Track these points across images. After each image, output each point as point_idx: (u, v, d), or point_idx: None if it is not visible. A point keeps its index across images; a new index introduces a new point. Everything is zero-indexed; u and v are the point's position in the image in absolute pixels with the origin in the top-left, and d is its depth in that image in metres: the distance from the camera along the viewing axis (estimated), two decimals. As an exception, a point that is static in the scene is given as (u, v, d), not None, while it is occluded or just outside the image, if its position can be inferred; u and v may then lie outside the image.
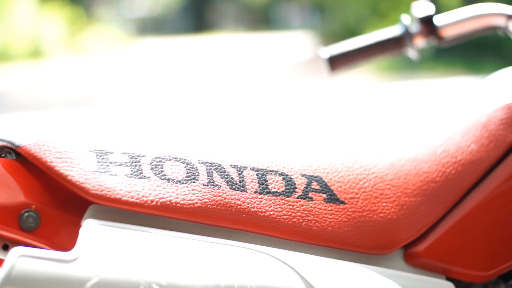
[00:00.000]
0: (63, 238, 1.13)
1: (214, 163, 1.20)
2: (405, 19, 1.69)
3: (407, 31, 1.68)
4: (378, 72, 12.89)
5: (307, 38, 20.87)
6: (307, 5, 22.62)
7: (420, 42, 1.68)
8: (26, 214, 1.11)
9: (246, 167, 1.22)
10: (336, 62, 1.71)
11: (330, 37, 18.57)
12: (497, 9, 1.65)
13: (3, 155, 1.18)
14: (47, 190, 1.14)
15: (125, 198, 1.12)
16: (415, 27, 1.67)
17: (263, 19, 30.14)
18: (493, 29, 1.66)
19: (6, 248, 1.20)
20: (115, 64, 15.96)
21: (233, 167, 1.21)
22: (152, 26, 29.63)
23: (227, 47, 19.80)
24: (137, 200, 1.12)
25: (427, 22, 1.66)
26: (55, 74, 13.97)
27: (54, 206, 1.13)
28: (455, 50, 13.63)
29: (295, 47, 19.08)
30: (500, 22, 1.64)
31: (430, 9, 1.66)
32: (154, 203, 1.13)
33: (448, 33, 1.67)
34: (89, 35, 18.78)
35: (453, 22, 1.66)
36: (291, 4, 27.01)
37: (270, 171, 1.23)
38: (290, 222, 1.20)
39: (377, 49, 1.69)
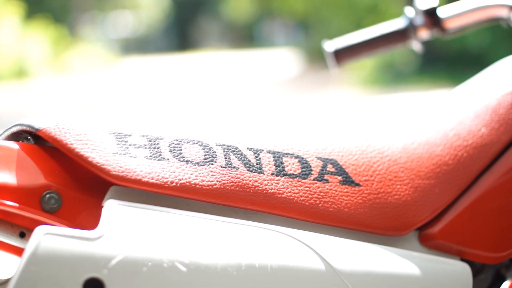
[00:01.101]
0: (84, 219, 1.13)
1: (231, 145, 1.21)
2: (409, 11, 1.71)
3: (411, 24, 1.70)
4: (363, 86, 12.95)
5: (292, 55, 20.95)
6: (290, 23, 22.74)
7: (424, 34, 1.70)
8: (47, 195, 1.11)
9: (263, 150, 1.23)
10: (341, 56, 1.73)
11: (315, 54, 18.66)
12: (500, 0, 1.67)
13: (22, 140, 1.19)
14: (67, 172, 1.14)
15: (145, 179, 1.12)
16: (419, 19, 1.69)
17: (247, 37, 30.26)
18: (496, 20, 1.68)
19: (23, 235, 1.21)
20: (100, 82, 15.95)
21: (249, 150, 1.22)
22: (137, 45, 29.68)
23: (212, 64, 19.84)
24: (157, 181, 1.13)
25: (431, 14, 1.68)
26: (40, 93, 13.95)
27: (75, 188, 1.14)
28: (439, 63, 13.73)
29: (279, 63, 19.14)
30: (503, 13, 1.66)
31: (433, 1, 1.68)
32: (173, 184, 1.13)
33: (452, 24, 1.69)
34: (73, 54, 18.78)
35: (457, 14, 1.68)
36: (275, 21, 27.14)
37: (286, 153, 1.24)
38: (307, 203, 1.21)
39: (382, 42, 1.71)
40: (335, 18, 17.66)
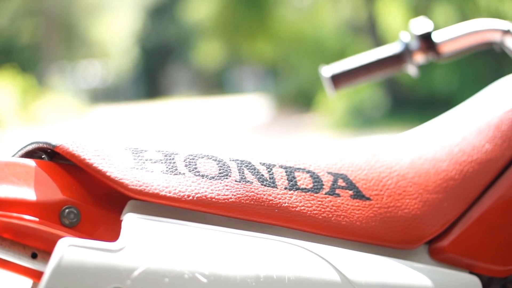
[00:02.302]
0: (102, 233, 1.14)
1: (244, 160, 1.23)
2: (404, 36, 1.74)
3: (407, 48, 1.73)
4: (334, 129, 13.05)
5: (262, 101, 21.06)
6: (260, 69, 22.91)
7: (420, 58, 1.73)
8: (67, 210, 1.12)
9: (275, 165, 1.25)
10: (338, 81, 1.75)
11: (285, 99, 18.80)
12: (493, 25, 1.71)
13: (37, 158, 1.19)
14: (84, 187, 1.15)
15: (162, 193, 1.13)
16: (414, 44, 1.72)
17: (217, 83, 30.44)
18: (489, 44, 1.72)
19: (35, 257, 1.20)
20: (69, 132, 15.87)
21: (262, 165, 1.24)
22: (106, 94, 29.69)
23: (182, 112, 19.88)
24: (174, 195, 1.14)
25: (425, 39, 1.71)
26: (9, 143, 13.86)
27: (93, 202, 1.14)
28: (408, 107, 13.88)
29: (250, 110, 19.23)
30: (495, 37, 1.70)
31: (428, 26, 1.72)
32: (190, 198, 1.14)
33: (446, 49, 1.72)
34: (43, 104, 18.72)
35: (451, 39, 1.72)
36: (244, 68, 27.35)
37: (298, 168, 1.26)
38: (320, 217, 1.23)
39: (378, 66, 1.74)
40: (304, 64, 17.84)
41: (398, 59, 1.74)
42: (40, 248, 1.20)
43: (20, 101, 17.20)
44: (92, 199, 1.15)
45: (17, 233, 1.18)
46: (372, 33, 14.83)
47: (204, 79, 31.10)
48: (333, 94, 1.78)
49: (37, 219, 1.10)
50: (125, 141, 1.19)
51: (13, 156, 1.21)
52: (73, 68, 28.39)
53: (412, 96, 14.33)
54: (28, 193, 1.11)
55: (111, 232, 1.14)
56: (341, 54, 16.32)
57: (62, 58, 26.44)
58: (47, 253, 1.20)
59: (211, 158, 1.21)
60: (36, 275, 1.25)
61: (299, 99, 17.67)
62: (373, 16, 15.34)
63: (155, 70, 31.11)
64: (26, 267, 1.24)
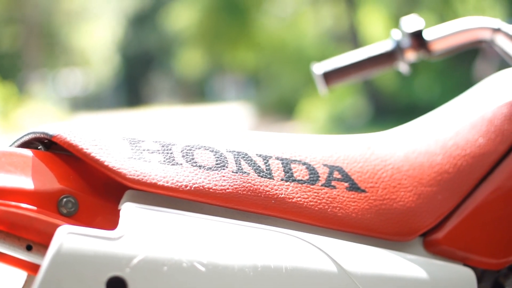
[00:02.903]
0: (100, 223, 1.13)
1: (241, 152, 1.23)
2: (396, 34, 1.75)
3: (398, 46, 1.74)
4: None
5: (243, 109, 21.08)
6: (241, 78, 22.94)
7: (411, 56, 1.74)
8: (64, 199, 1.12)
9: (271, 156, 1.25)
10: (330, 78, 1.76)
11: (266, 108, 18.82)
12: (483, 23, 1.72)
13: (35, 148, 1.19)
14: (82, 177, 1.15)
15: (160, 183, 1.13)
16: (405, 42, 1.73)
17: (198, 92, 30.42)
18: (479, 43, 1.73)
19: (29, 248, 1.20)
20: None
21: (259, 156, 1.24)
22: (87, 103, 29.60)
23: (163, 120, 19.85)
24: (172, 185, 1.14)
25: (417, 37, 1.72)
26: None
27: (91, 192, 1.14)
28: (390, 115, 13.93)
29: (231, 118, 19.23)
30: (486, 35, 1.71)
31: (419, 23, 1.73)
32: (188, 188, 1.15)
33: (437, 46, 1.73)
34: (23, 112, 18.63)
35: (442, 36, 1.73)
36: (226, 77, 27.38)
37: (294, 160, 1.26)
38: (316, 208, 1.23)
39: (370, 64, 1.75)
40: (285, 72, 17.88)
41: (389, 57, 1.75)
42: (35, 241, 1.20)
43: (1, 109, 17.11)
44: (90, 189, 1.14)
45: (13, 225, 1.17)
46: (354, 42, 14.88)
47: (185, 87, 31.08)
48: (325, 92, 1.79)
49: (35, 208, 1.09)
50: (123, 131, 1.19)
51: (10, 146, 1.20)
52: (54, 76, 28.29)
53: (394, 104, 14.40)
54: (25, 183, 1.10)
55: (109, 221, 1.13)
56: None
57: (43, 66, 26.35)
58: (42, 246, 1.20)
59: (208, 149, 1.21)
60: (31, 268, 1.25)
61: (281, 107, 17.71)
62: (355, 25, 15.42)
63: (136, 78, 31.06)
64: (20, 259, 1.24)
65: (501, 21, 1.74)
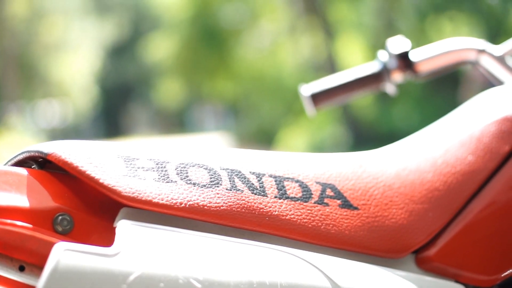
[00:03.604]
0: (96, 240, 1.13)
1: (234, 169, 1.24)
2: (382, 55, 1.77)
3: (385, 67, 1.76)
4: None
5: (223, 139, 21.09)
6: (221, 108, 22.97)
7: (398, 77, 1.76)
8: (60, 217, 1.12)
9: (264, 174, 1.26)
10: (318, 99, 1.77)
11: (245, 138, 18.83)
12: (469, 44, 1.75)
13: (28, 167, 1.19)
14: (77, 195, 1.15)
15: (155, 200, 1.13)
16: (392, 63, 1.75)
17: (178, 122, 30.41)
18: (465, 63, 1.76)
19: (22, 269, 1.19)
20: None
21: (252, 174, 1.24)
22: (66, 134, 29.48)
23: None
24: (167, 203, 1.14)
25: (403, 58, 1.74)
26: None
27: (86, 210, 1.14)
28: (369, 144, 13.98)
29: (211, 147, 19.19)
30: (471, 56, 1.74)
31: (405, 45, 1.75)
32: (182, 205, 1.15)
33: (424, 67, 1.75)
34: (1, 144, 18.54)
35: (428, 57, 1.75)
36: (205, 107, 27.42)
37: (287, 178, 1.27)
38: (310, 225, 1.23)
39: (357, 85, 1.77)
40: (265, 102, 17.93)
41: (376, 78, 1.77)
42: (28, 261, 1.19)
43: (-22, 140, 17.02)
44: (85, 207, 1.14)
45: (6, 245, 1.17)
46: (332, 71, 14.96)
47: (165, 118, 31.06)
48: (313, 113, 1.80)
49: (30, 226, 1.09)
50: (117, 149, 1.19)
51: (4, 165, 1.20)
52: (32, 108, 28.19)
53: (373, 132, 14.46)
54: (20, 201, 1.10)
55: (104, 239, 1.13)
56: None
57: (21, 98, 26.26)
58: (35, 266, 1.19)
59: (202, 166, 1.22)
60: (23, 289, 1.24)
61: (260, 137, 17.73)
62: (333, 54, 15.51)
63: (115, 109, 31.01)
64: (13, 280, 1.23)
65: (485, 42, 1.76)
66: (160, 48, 20.61)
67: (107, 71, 30.40)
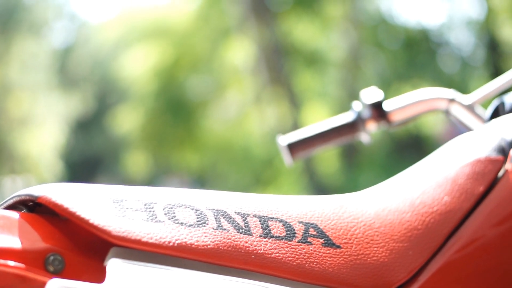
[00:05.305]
0: (87, 279, 1.15)
1: (220, 210, 1.27)
2: (357, 105, 1.83)
3: (359, 117, 1.81)
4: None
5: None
6: (188, 179, 23.00)
7: (372, 126, 1.81)
8: (51, 257, 1.14)
9: (249, 214, 1.29)
10: (295, 149, 1.82)
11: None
12: (439, 94, 1.81)
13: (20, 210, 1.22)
14: (67, 236, 1.17)
15: (144, 240, 1.16)
16: (366, 113, 1.81)
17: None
18: (436, 111, 1.82)
19: None
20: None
21: (237, 214, 1.28)
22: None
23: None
24: (156, 241, 1.17)
25: (376, 108, 1.80)
26: None
27: (76, 250, 1.17)
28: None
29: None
30: (442, 105, 1.80)
31: (379, 95, 1.81)
32: (171, 244, 1.18)
33: (396, 117, 1.81)
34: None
35: (401, 107, 1.81)
36: (172, 178, 27.38)
37: (271, 218, 1.30)
38: (294, 263, 1.27)
39: (333, 134, 1.82)
40: (232, 172, 17.98)
41: (351, 128, 1.82)
42: None
43: None
44: (76, 247, 1.17)
45: None
46: (299, 140, 15.06)
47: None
48: (290, 163, 1.84)
49: (23, 266, 1.11)
50: (106, 191, 1.22)
51: None
52: (-3, 184, 27.97)
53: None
54: (12, 242, 1.13)
55: (95, 277, 1.16)
56: (268, 163, 16.53)
57: (-14, 174, 26.08)
58: None
59: (188, 207, 1.25)
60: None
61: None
62: (298, 123, 15.66)
63: (82, 182, 30.81)
64: None
65: (455, 91, 1.83)
66: (127, 121, 20.68)
67: (73, 144, 30.35)
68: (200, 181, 22.06)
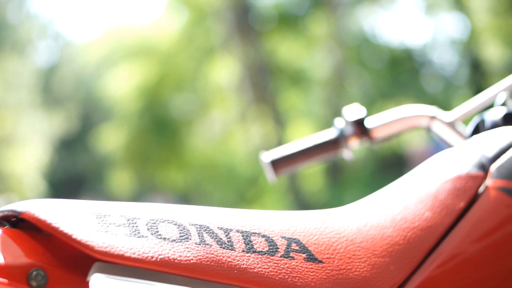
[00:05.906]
0: None
1: (203, 225, 1.28)
2: (339, 122, 1.84)
3: (342, 134, 1.83)
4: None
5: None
6: (173, 197, 22.97)
7: (354, 143, 1.83)
8: (34, 272, 1.14)
9: (232, 229, 1.30)
10: (278, 166, 1.83)
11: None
12: (421, 111, 1.83)
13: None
14: (50, 251, 1.17)
15: (127, 255, 1.17)
16: (348, 130, 1.82)
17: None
18: (418, 128, 1.84)
19: None
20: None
21: (220, 229, 1.28)
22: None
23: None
24: (138, 256, 1.17)
25: (359, 125, 1.81)
26: None
27: (59, 265, 1.17)
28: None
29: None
30: (423, 122, 1.82)
31: (361, 112, 1.83)
32: (154, 259, 1.18)
33: (378, 134, 1.83)
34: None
35: (383, 124, 1.83)
36: (157, 197, 27.34)
37: (253, 233, 1.31)
38: (277, 278, 1.27)
39: (316, 151, 1.83)
40: (217, 190, 17.97)
41: (334, 144, 1.83)
42: None
43: None
44: (58, 262, 1.17)
45: None
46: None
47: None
48: (273, 179, 1.85)
49: (5, 281, 1.11)
50: (89, 206, 1.23)
51: None
52: (-20, 202, 27.79)
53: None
54: None
55: None
56: (253, 181, 16.54)
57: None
58: None
59: (171, 222, 1.26)
60: None
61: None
62: (283, 142, 15.70)
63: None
64: None
65: (437, 108, 1.85)
66: (111, 139, 20.65)
67: (57, 163, 30.23)
68: (185, 199, 22.02)
